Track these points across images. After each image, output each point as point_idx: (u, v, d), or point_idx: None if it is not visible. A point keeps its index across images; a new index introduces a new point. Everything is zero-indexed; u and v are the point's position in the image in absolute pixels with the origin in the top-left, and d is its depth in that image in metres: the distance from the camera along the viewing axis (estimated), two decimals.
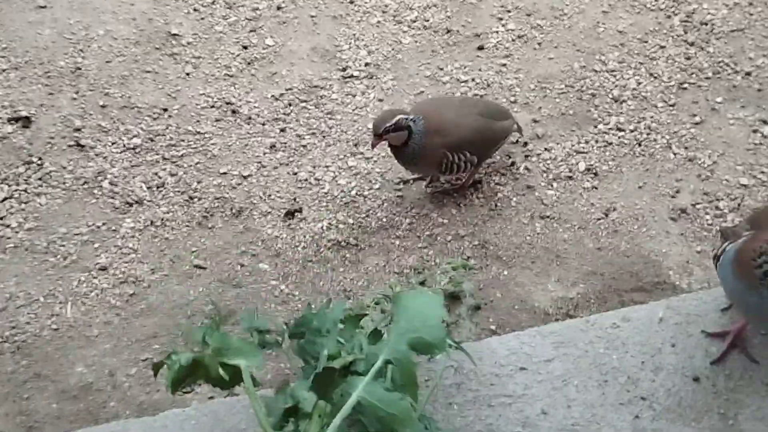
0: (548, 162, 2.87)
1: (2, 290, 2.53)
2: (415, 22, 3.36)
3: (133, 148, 2.92)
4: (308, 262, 2.62)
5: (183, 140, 2.96)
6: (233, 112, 3.05)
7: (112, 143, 2.94)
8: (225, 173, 2.87)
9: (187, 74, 3.17)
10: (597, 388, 2.02)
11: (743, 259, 1.86)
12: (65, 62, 3.17)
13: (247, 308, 2.45)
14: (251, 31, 3.33)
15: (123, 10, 3.37)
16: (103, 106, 3.04)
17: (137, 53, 3.22)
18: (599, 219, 2.70)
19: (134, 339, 2.43)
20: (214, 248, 2.66)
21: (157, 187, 2.82)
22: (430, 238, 2.68)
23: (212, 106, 3.07)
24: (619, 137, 2.93)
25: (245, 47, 3.27)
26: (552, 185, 2.80)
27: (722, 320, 2.14)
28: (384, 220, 2.74)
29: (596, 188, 2.79)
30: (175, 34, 3.30)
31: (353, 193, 2.81)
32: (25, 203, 2.75)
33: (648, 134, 2.93)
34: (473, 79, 3.13)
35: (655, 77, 3.11)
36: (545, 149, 2.90)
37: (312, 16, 3.38)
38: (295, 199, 2.79)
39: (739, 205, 2.70)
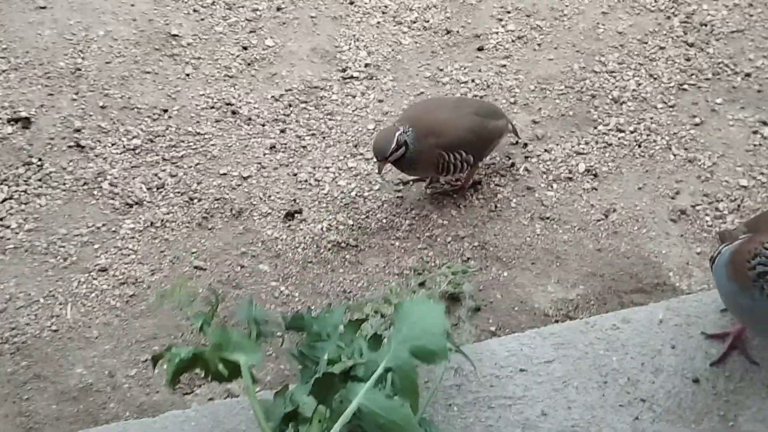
0: (548, 163, 2.87)
1: (2, 291, 2.53)
2: (415, 23, 3.36)
3: (133, 149, 2.92)
4: (308, 263, 2.62)
5: (183, 141, 2.96)
6: (233, 113, 3.05)
7: (112, 144, 2.94)
8: (225, 174, 2.87)
9: (187, 75, 3.17)
10: (597, 390, 2.02)
11: (738, 260, 1.86)
12: (65, 63, 3.17)
13: (244, 299, 2.44)
14: (251, 31, 3.33)
15: (123, 11, 3.37)
16: (103, 107, 3.04)
17: (137, 54, 3.22)
18: (599, 220, 2.70)
19: (134, 340, 2.43)
20: (214, 249, 2.66)
21: (157, 188, 2.82)
22: (430, 239, 2.68)
23: (212, 107, 3.07)
24: (618, 138, 2.93)
25: (245, 48, 3.27)
26: (552, 186, 2.80)
27: (722, 322, 2.15)
28: (384, 221, 2.74)
29: (596, 189, 2.79)
30: (175, 35, 3.30)
31: (353, 194, 2.81)
32: (25, 204, 2.75)
33: (648, 135, 2.93)
34: (473, 80, 3.13)
35: (655, 78, 3.11)
36: (545, 150, 2.90)
37: (312, 17, 3.38)
38: (295, 200, 2.79)
39: (738, 206, 2.70)
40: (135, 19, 3.34)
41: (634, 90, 3.08)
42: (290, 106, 3.07)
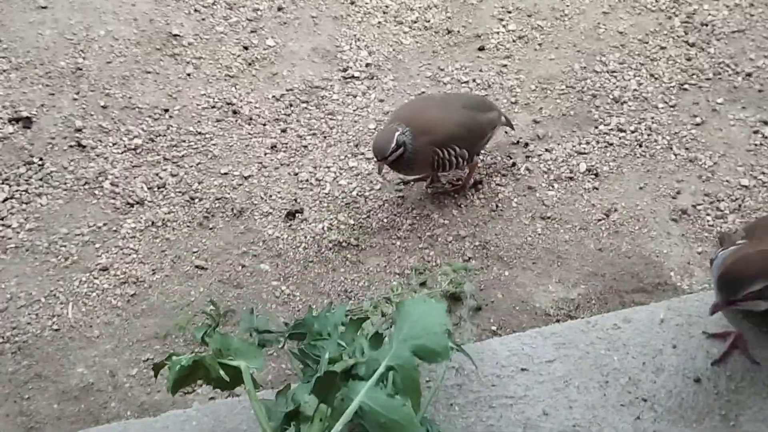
0: (549, 163, 2.87)
1: (3, 291, 2.53)
2: (416, 22, 3.37)
3: (134, 149, 2.93)
4: (309, 262, 2.62)
5: (184, 141, 2.96)
6: (234, 112, 3.05)
7: (113, 144, 2.94)
8: (226, 174, 2.87)
9: (188, 75, 3.17)
10: (598, 389, 2.02)
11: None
12: (66, 63, 3.17)
13: (246, 307, 2.45)
14: (252, 31, 3.33)
15: (124, 11, 3.37)
16: (104, 107, 3.05)
17: (138, 54, 3.23)
18: (600, 220, 2.70)
19: (135, 339, 2.43)
20: (215, 249, 2.66)
21: (158, 188, 2.82)
22: (431, 238, 2.68)
23: (213, 107, 3.07)
24: (619, 138, 2.93)
25: (246, 48, 3.27)
26: (553, 186, 2.80)
27: (723, 321, 2.14)
28: (385, 220, 2.74)
29: (597, 189, 2.79)
30: (176, 35, 3.30)
31: (354, 193, 2.81)
32: (26, 204, 2.76)
33: (649, 135, 2.93)
34: (474, 80, 3.13)
35: (656, 78, 3.11)
36: (546, 150, 2.90)
37: (313, 17, 3.38)
38: (296, 200, 2.79)
39: (740, 206, 2.70)
40: (136, 18, 3.34)
41: (635, 90, 3.08)
42: (291, 105, 3.07)
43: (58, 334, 2.44)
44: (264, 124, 3.02)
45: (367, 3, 3.44)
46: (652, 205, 2.73)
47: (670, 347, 2.09)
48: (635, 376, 2.04)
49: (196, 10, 3.40)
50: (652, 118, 2.98)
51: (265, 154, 2.93)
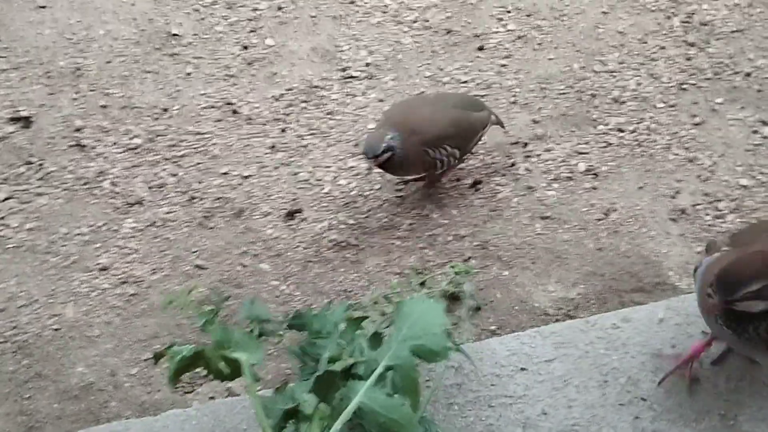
0: (548, 163, 2.87)
1: (3, 290, 2.53)
2: (415, 22, 3.37)
3: (134, 149, 2.93)
4: (309, 262, 2.62)
5: (183, 140, 2.96)
6: (234, 112, 3.06)
7: (113, 143, 2.94)
8: (226, 173, 2.87)
9: (188, 74, 3.17)
10: (597, 389, 2.03)
11: (704, 280, 1.85)
12: (66, 62, 3.17)
13: (246, 298, 2.44)
14: (251, 31, 3.33)
15: (123, 10, 3.37)
16: (103, 107, 3.05)
17: (138, 53, 3.23)
18: (599, 219, 2.70)
19: (135, 339, 2.43)
20: (214, 248, 2.66)
21: (158, 188, 2.82)
22: (431, 238, 2.68)
23: (213, 107, 3.07)
24: (619, 138, 2.93)
25: (245, 47, 3.27)
26: (552, 186, 2.81)
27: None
28: (384, 220, 2.74)
29: (596, 189, 2.79)
30: (175, 35, 3.30)
31: (354, 193, 2.81)
32: (26, 203, 2.76)
33: (648, 135, 2.94)
34: (473, 80, 3.14)
35: (655, 78, 3.12)
36: (545, 150, 2.91)
37: (312, 17, 3.38)
38: (295, 200, 2.79)
39: (739, 205, 2.71)
40: (135, 18, 3.35)
41: (634, 89, 3.08)
42: (290, 105, 3.08)
43: (58, 334, 2.44)
44: (263, 124, 3.02)
45: (366, 2, 3.44)
46: (651, 205, 2.73)
47: (670, 347, 2.10)
48: (634, 376, 2.05)
49: (195, 10, 3.40)
50: (652, 117, 2.99)
51: (265, 153, 2.93)
